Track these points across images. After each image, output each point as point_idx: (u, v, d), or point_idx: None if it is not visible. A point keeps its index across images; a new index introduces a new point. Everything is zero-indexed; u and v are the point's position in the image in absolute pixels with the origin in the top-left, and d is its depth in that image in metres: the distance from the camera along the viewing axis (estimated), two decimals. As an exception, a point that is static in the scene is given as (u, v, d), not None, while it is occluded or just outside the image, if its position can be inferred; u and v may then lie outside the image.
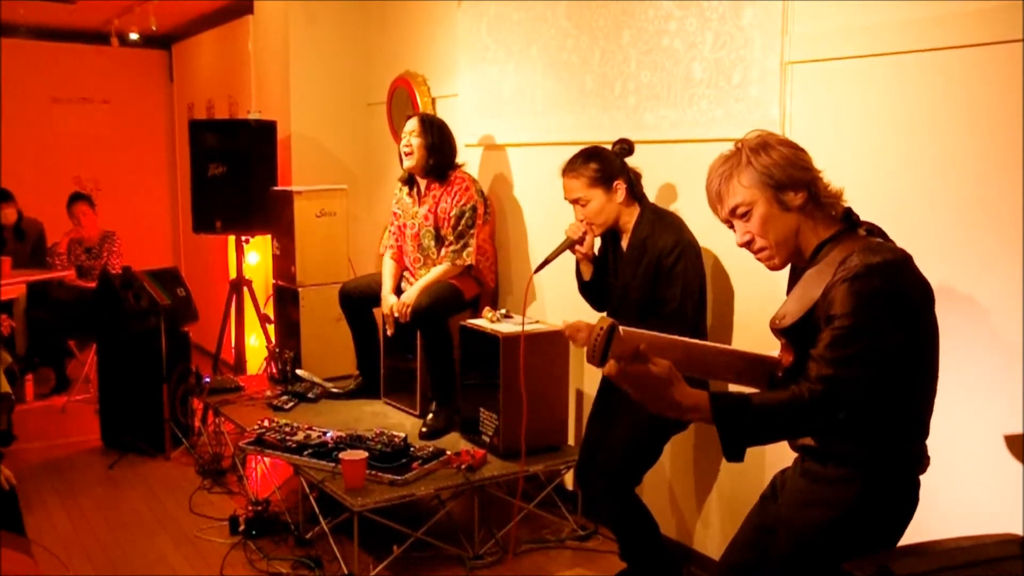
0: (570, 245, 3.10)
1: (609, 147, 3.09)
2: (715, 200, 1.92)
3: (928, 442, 1.89)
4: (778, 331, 1.90)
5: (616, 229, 3.06)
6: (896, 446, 1.82)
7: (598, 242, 3.16)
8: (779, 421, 1.73)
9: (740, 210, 1.87)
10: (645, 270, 2.91)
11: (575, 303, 3.36)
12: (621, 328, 1.72)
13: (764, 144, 1.86)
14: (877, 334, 1.69)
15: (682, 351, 1.81)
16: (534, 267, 3.24)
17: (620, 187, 2.99)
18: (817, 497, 1.87)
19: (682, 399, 1.71)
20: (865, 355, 1.69)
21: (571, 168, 3.02)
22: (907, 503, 1.86)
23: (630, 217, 3.02)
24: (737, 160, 1.87)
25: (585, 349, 1.74)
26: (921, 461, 1.87)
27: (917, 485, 1.86)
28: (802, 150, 1.89)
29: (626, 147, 3.07)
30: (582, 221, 3.05)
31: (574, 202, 3.04)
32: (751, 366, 1.90)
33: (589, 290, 3.20)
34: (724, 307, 3.18)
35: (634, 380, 1.70)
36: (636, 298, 2.92)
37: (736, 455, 1.73)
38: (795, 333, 1.84)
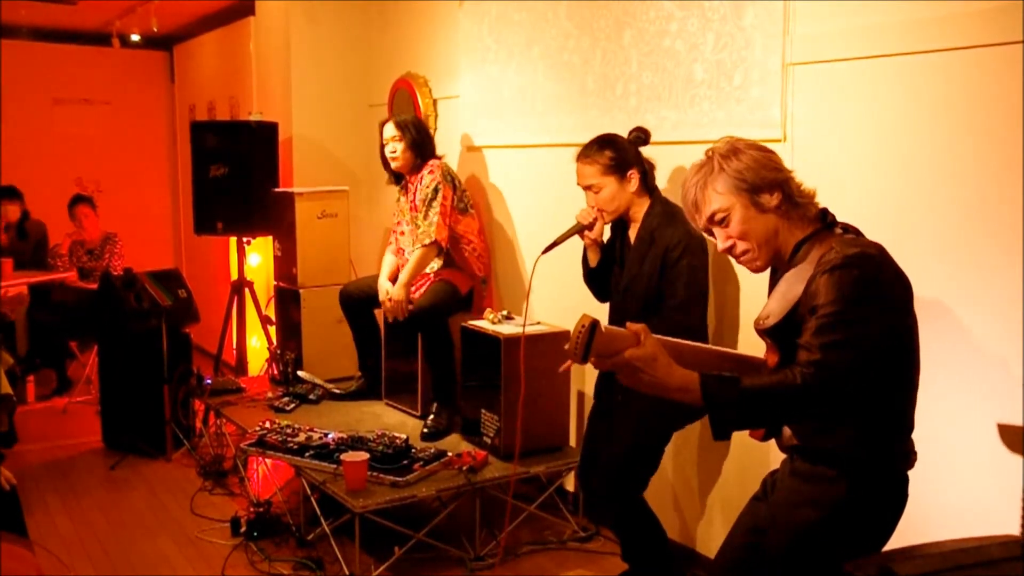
0: (579, 230, 3.08)
1: (625, 135, 3.07)
2: (692, 210, 1.95)
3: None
4: (762, 331, 1.91)
5: (625, 219, 3.06)
6: (883, 443, 1.83)
7: (608, 231, 3.15)
8: (767, 402, 1.72)
9: (718, 216, 1.90)
10: (652, 262, 2.90)
11: (576, 304, 3.35)
12: (603, 325, 1.73)
13: (734, 149, 1.89)
14: (861, 320, 1.71)
15: (667, 349, 1.81)
16: (541, 262, 3.22)
17: (634, 176, 2.98)
18: (807, 497, 1.87)
19: (670, 379, 1.74)
20: (851, 340, 1.70)
21: (586, 154, 3.01)
22: (896, 499, 1.87)
23: (640, 208, 3.00)
24: (710, 168, 1.90)
25: (567, 346, 1.75)
26: (908, 457, 1.87)
27: (905, 481, 1.87)
28: (772, 152, 1.91)
29: (642, 136, 3.06)
30: (593, 207, 3.04)
31: (586, 188, 3.03)
32: (738, 366, 1.91)
33: (594, 278, 3.19)
34: (730, 306, 3.18)
35: (622, 365, 1.74)
36: (641, 290, 2.92)
37: (723, 433, 1.75)
38: (779, 333, 1.86)
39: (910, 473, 1.88)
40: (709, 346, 1.94)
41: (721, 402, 1.72)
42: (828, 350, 1.69)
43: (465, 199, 4.17)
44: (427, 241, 3.99)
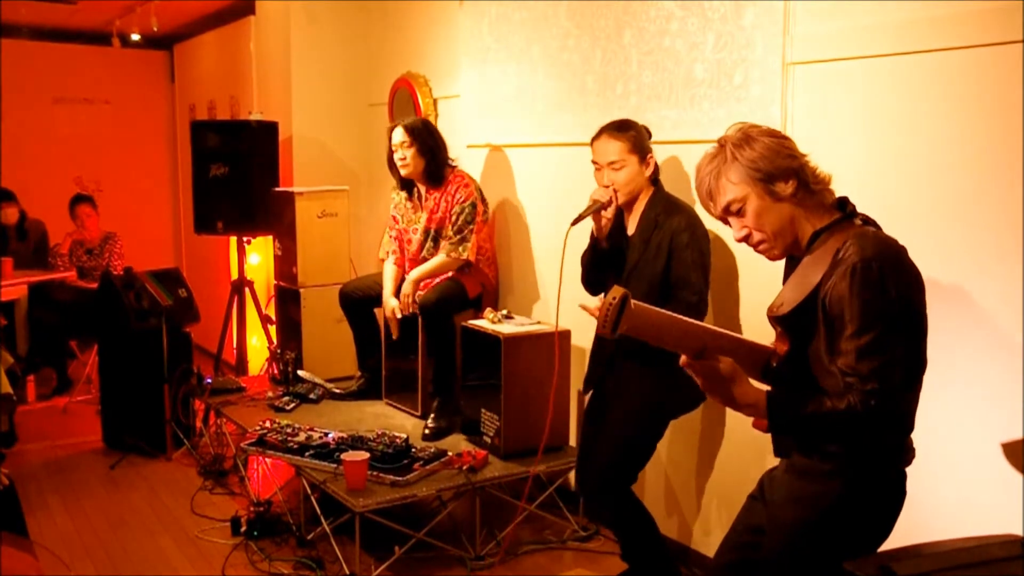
0: (599, 208, 2.96)
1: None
2: (707, 199, 1.93)
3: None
4: (775, 319, 1.90)
5: (625, 210, 3.03)
6: (881, 440, 1.82)
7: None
8: (831, 429, 1.77)
9: (733, 207, 1.88)
10: (657, 246, 2.89)
11: (577, 303, 3.35)
12: (633, 301, 1.74)
13: (747, 137, 1.87)
14: (896, 333, 1.71)
15: (681, 330, 1.82)
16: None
17: (652, 161, 2.98)
18: (805, 493, 1.87)
19: (741, 396, 1.79)
20: (897, 359, 1.71)
21: (611, 131, 2.97)
22: (894, 496, 1.86)
23: (643, 197, 2.99)
24: (723, 157, 1.88)
25: (596, 319, 1.77)
26: (906, 453, 1.86)
27: (903, 477, 1.87)
28: (785, 138, 1.89)
29: (646, 131, 3.06)
30: (608, 186, 2.95)
31: (608, 165, 2.95)
32: (747, 353, 1.91)
33: (598, 263, 3.06)
34: (729, 296, 3.18)
35: (700, 372, 1.80)
36: (647, 274, 2.90)
37: (785, 454, 1.92)
38: (792, 321, 1.85)
39: (909, 470, 1.87)
40: (720, 330, 1.91)
41: (787, 430, 1.83)
42: (881, 376, 1.69)
43: (487, 210, 4.13)
44: (454, 255, 3.95)
